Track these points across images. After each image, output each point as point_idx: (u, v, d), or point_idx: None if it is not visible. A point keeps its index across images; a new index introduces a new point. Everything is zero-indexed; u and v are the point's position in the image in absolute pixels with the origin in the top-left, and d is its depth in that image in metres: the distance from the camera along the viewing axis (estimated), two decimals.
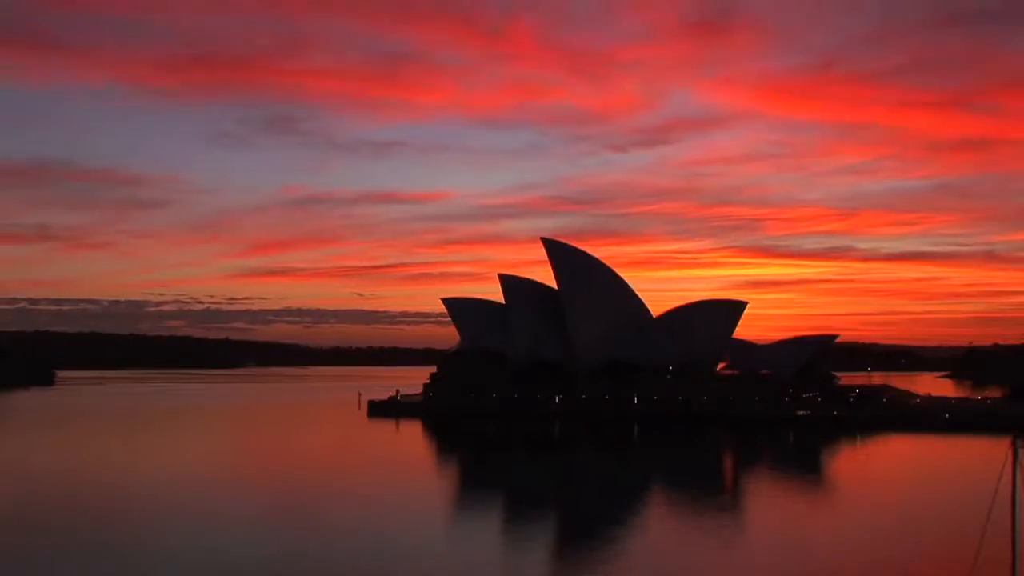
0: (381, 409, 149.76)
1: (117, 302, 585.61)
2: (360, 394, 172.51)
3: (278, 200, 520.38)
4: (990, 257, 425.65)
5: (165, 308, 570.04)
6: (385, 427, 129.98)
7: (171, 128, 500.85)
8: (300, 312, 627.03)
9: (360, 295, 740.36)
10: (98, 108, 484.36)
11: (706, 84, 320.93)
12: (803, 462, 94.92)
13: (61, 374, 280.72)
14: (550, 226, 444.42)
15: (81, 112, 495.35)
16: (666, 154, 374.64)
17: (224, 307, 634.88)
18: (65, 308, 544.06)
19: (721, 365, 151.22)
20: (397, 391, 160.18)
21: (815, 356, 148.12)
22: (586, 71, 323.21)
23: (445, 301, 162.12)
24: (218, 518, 56.72)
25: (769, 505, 65.14)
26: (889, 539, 50.23)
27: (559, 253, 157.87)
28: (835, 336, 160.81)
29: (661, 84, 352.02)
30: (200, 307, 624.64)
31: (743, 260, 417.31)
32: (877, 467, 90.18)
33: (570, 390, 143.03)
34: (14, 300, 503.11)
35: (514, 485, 77.57)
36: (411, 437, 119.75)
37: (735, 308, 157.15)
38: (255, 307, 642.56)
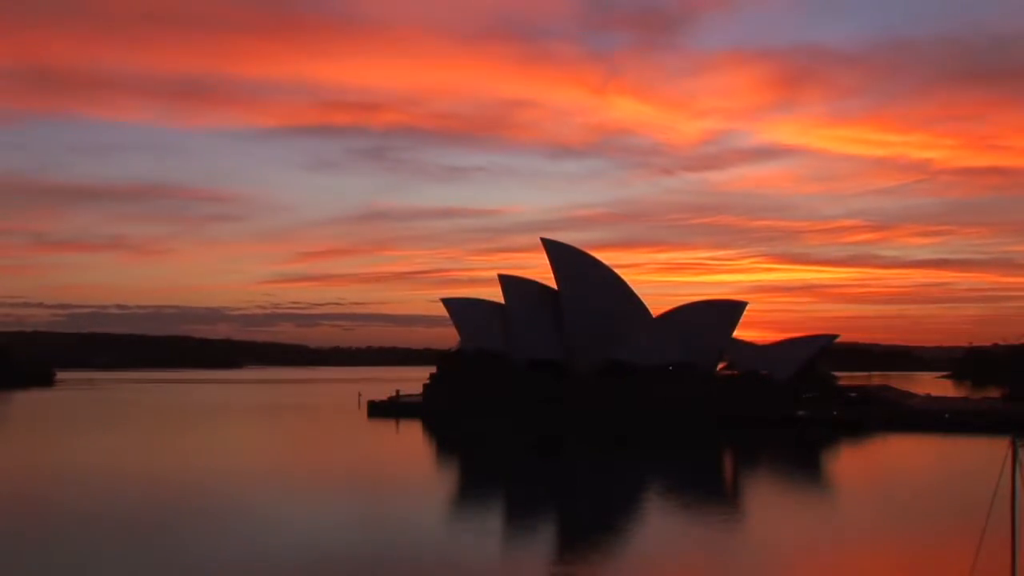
0: (381, 409, 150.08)
1: (161, 307, 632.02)
2: (360, 394, 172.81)
3: (347, 215, 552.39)
4: (1005, 264, 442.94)
5: (217, 311, 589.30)
6: (385, 427, 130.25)
7: (275, 157, 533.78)
8: (346, 316, 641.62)
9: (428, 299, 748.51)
10: (216, 144, 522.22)
11: (761, 126, 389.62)
12: (802, 462, 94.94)
13: (61, 375, 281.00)
14: (598, 236, 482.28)
15: (197, 146, 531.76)
16: (713, 178, 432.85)
17: (271, 311, 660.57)
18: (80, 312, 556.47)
19: (721, 365, 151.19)
20: (397, 391, 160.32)
21: (815, 356, 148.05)
22: (662, 116, 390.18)
23: (445, 301, 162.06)
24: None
25: (768, 505, 65.15)
26: (889, 539, 50.25)
27: (559, 253, 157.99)
28: (835, 336, 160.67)
29: (723, 126, 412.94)
30: (249, 311, 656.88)
31: (773, 266, 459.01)
32: (877, 467, 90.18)
33: (569, 390, 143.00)
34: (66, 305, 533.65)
35: (513, 485, 77.54)
36: (410, 437, 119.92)
37: (735, 308, 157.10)
38: (303, 311, 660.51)
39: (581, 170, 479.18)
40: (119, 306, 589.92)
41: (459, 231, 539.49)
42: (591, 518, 59.89)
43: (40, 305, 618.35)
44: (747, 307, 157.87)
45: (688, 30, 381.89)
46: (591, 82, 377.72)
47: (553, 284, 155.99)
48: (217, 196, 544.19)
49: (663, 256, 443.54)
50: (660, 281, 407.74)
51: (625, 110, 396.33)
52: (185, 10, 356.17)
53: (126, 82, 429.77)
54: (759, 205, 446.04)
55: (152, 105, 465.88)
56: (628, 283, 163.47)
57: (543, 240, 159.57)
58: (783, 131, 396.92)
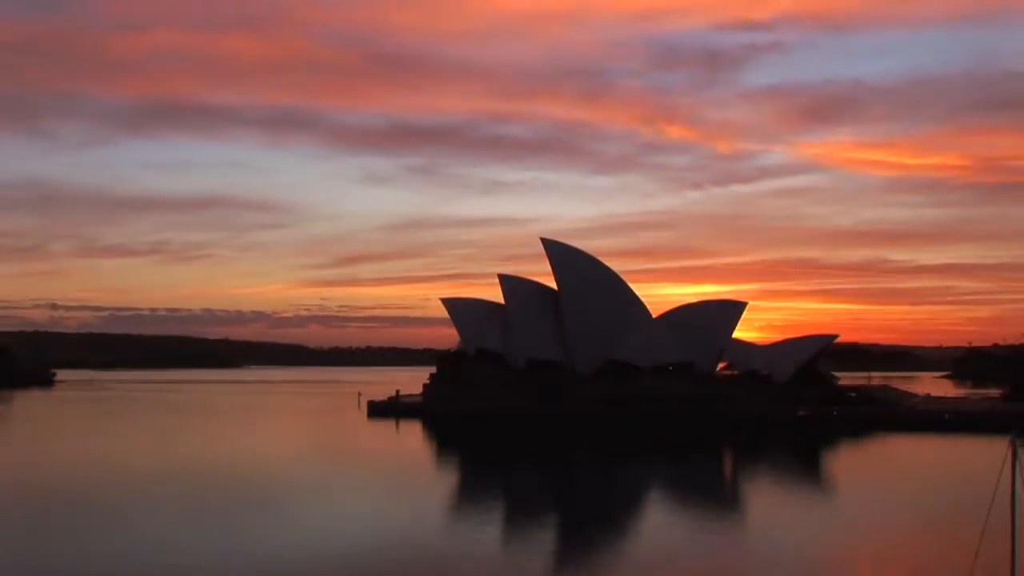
0: (381, 409, 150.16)
1: (175, 309, 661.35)
2: (360, 394, 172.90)
3: (388, 224, 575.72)
4: (1008, 268, 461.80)
5: (248, 313, 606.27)
6: (385, 427, 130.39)
7: (333, 173, 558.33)
8: (376, 319, 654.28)
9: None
10: (282, 163, 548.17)
11: (790, 148, 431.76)
12: (802, 462, 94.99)
13: (61, 374, 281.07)
14: (624, 243, 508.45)
15: (264, 163, 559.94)
16: (739, 191, 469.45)
17: (301, 313, 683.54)
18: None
19: (721, 365, 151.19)
20: (397, 391, 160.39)
21: (815, 356, 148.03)
22: (700, 139, 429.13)
23: (445, 301, 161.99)
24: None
25: (767, 505, 65.15)
26: (888, 538, 50.26)
27: (559, 253, 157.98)
28: (835, 336, 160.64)
29: (754, 147, 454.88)
30: (279, 313, 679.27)
31: (785, 270, 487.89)
32: (876, 467, 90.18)
33: (569, 390, 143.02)
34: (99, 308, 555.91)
35: (512, 486, 77.56)
36: (410, 437, 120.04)
37: (735, 308, 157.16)
38: (331, 313, 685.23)
39: (615, 184, 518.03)
40: (151, 309, 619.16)
41: (494, 238, 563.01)
42: (590, 518, 59.87)
43: (83, 307, 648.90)
44: (747, 307, 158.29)
45: (742, 69, 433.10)
46: (641, 113, 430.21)
47: (553, 284, 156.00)
48: (266, 206, 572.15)
49: (685, 262, 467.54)
50: (677, 282, 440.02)
51: (667, 136, 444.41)
52: (290, 56, 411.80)
53: (230, 113, 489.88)
54: (779, 214, 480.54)
55: (246, 132, 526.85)
56: (629, 284, 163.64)
57: (543, 240, 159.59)
58: (809, 152, 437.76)
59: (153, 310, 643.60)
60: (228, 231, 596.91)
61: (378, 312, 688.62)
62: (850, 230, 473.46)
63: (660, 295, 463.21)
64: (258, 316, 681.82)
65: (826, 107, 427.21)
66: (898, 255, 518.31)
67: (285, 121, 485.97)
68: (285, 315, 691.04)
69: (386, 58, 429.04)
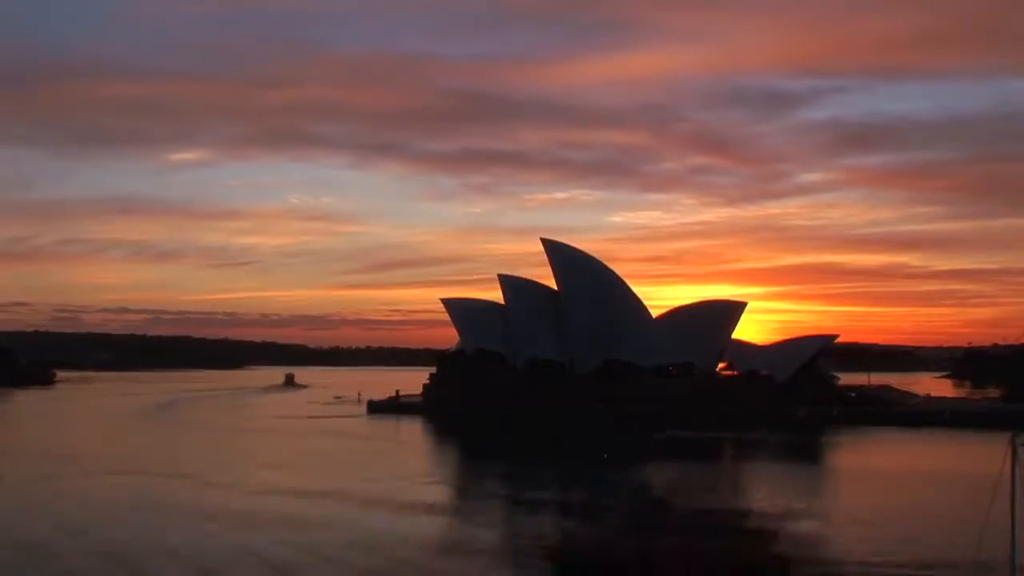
0: (380, 409, 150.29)
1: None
2: (360, 394, 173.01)
3: (440, 236, 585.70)
4: (1011, 273, 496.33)
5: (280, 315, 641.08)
6: (385, 426, 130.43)
7: (400, 192, 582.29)
8: (409, 322, 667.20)
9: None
10: (359, 183, 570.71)
11: (822, 172, 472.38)
12: (802, 462, 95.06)
13: (61, 374, 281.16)
14: (659, 249, 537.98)
15: (340, 183, 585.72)
16: (770, 207, 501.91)
17: (335, 316, 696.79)
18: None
19: (721, 365, 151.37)
20: (397, 391, 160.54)
21: (815, 356, 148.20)
22: (740, 167, 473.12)
23: (445, 301, 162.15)
24: None
25: (767, 505, 65.18)
26: (888, 537, 50.32)
27: (559, 253, 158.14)
28: (835, 336, 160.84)
29: (789, 170, 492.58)
30: (314, 315, 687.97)
31: (807, 275, 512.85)
32: (876, 467, 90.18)
33: (569, 390, 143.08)
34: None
35: (511, 486, 77.59)
36: (410, 436, 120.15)
37: (735, 308, 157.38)
38: (366, 316, 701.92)
39: (655, 201, 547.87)
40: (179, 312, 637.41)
41: (536, 249, 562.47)
42: (590, 518, 59.88)
43: (127, 310, 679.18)
44: (747, 307, 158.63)
45: (800, 107, 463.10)
46: (697, 142, 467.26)
47: (553, 284, 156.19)
48: (323, 217, 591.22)
49: (709, 267, 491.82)
50: (698, 283, 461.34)
51: (716, 160, 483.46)
52: (399, 103, 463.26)
53: (326, 141, 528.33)
54: (804, 224, 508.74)
55: (342, 156, 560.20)
56: (628, 284, 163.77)
57: (543, 240, 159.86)
58: (843, 174, 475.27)
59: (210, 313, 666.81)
60: (279, 240, 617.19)
61: (409, 316, 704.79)
62: (871, 237, 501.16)
63: (680, 296, 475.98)
64: (298, 319, 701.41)
65: (867, 137, 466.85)
66: (916, 261, 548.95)
67: (376, 147, 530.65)
68: (328, 317, 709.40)
69: (477, 98, 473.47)
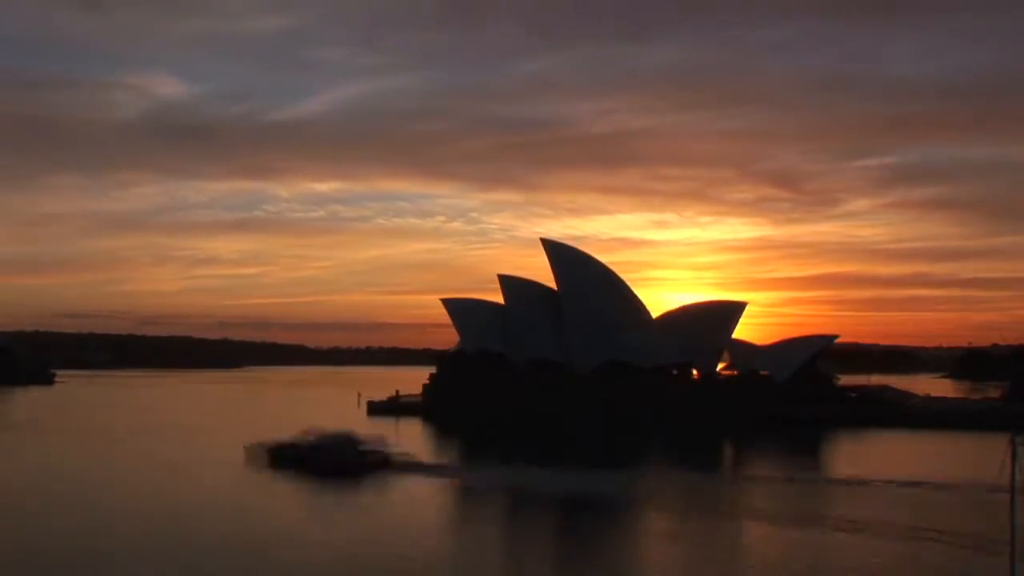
0: (380, 409, 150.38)
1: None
2: (360, 394, 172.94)
3: (497, 247, 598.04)
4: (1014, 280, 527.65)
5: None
6: (385, 426, 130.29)
7: (472, 209, 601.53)
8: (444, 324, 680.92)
9: None
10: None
11: (862, 197, 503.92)
12: (802, 462, 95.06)
13: (61, 374, 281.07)
14: (690, 261, 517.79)
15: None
16: (816, 224, 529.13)
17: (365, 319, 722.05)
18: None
19: (721, 365, 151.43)
20: (397, 391, 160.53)
21: (815, 356, 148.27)
22: (805, 195, 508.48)
23: (445, 301, 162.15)
24: None
25: (767, 505, 65.24)
26: (888, 536, 50.39)
27: (558, 253, 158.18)
28: (835, 336, 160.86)
29: (838, 199, 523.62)
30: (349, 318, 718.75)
31: (835, 283, 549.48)
32: (875, 467, 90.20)
33: (569, 391, 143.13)
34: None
35: (510, 486, 77.60)
36: (409, 436, 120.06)
37: (735, 308, 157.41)
38: (414, 321, 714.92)
39: (711, 221, 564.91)
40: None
41: (616, 263, 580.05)
42: (589, 519, 59.98)
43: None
44: (747, 307, 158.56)
45: (875, 156, 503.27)
46: (774, 179, 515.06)
47: (553, 284, 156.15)
48: (389, 232, 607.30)
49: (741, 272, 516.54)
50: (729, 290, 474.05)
51: (783, 192, 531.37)
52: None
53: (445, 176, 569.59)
54: (837, 240, 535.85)
55: (453, 184, 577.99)
56: (628, 284, 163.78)
57: (543, 240, 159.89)
58: (885, 201, 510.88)
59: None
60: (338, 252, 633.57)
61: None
62: (896, 250, 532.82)
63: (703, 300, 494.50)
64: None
65: (900, 178, 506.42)
66: (940, 270, 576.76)
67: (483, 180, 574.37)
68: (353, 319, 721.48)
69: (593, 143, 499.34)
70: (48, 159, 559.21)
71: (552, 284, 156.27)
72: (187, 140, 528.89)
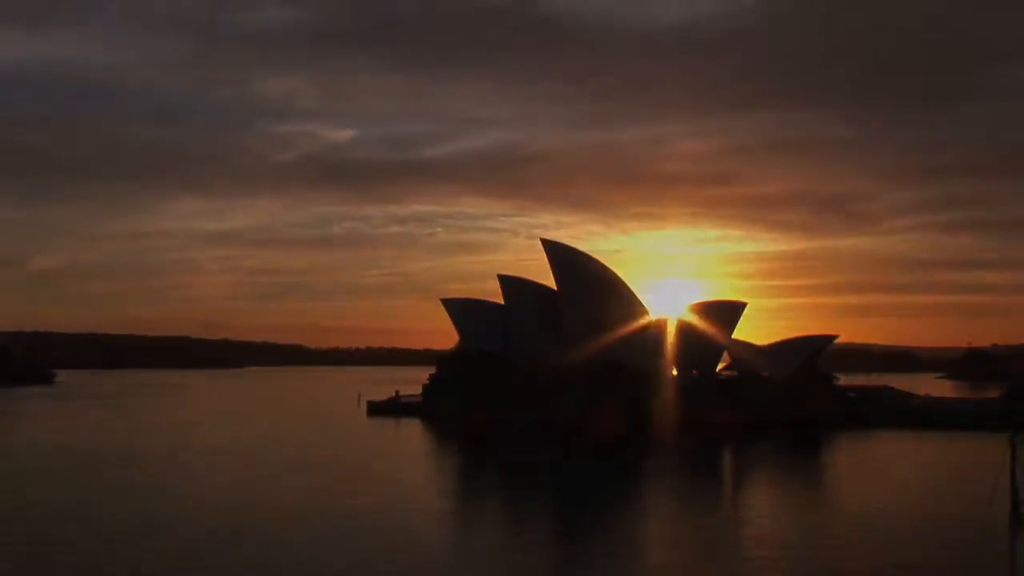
0: (380, 409, 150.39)
1: None
2: (359, 394, 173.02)
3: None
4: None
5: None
6: (384, 426, 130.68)
7: (503, 227, 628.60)
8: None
9: None
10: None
11: (901, 217, 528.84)
12: (801, 462, 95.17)
13: (61, 374, 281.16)
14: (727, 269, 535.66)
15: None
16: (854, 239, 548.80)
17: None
18: None
19: (721, 365, 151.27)
20: (397, 391, 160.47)
21: (814, 356, 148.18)
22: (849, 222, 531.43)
23: (444, 301, 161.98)
24: None
25: (767, 505, 65.31)
26: (888, 536, 50.43)
27: (558, 253, 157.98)
28: (835, 336, 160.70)
29: (874, 220, 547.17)
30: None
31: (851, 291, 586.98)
32: (875, 467, 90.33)
33: (569, 391, 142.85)
34: None
35: (510, 486, 77.72)
36: (409, 437, 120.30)
37: (735, 308, 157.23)
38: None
39: (746, 235, 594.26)
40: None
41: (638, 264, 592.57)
42: (590, 518, 60.03)
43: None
44: (746, 307, 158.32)
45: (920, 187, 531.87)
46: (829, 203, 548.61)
47: (553, 284, 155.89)
48: (407, 242, 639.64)
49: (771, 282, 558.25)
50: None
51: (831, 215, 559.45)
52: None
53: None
54: (861, 254, 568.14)
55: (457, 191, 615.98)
56: (627, 283, 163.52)
57: (543, 240, 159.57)
58: (917, 220, 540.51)
59: None
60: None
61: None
62: (916, 260, 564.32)
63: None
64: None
65: (929, 202, 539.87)
66: (958, 277, 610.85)
67: (498, 193, 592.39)
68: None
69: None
70: None
71: (552, 284, 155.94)
72: None
